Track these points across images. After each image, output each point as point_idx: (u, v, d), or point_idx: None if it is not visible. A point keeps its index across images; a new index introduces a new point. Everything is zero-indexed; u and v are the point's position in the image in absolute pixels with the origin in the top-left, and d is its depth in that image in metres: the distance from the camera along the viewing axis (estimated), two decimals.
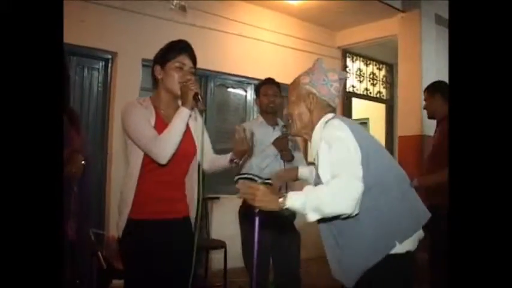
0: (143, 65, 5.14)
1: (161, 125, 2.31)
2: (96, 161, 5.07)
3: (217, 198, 5.63)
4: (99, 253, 3.64)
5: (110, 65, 5.22)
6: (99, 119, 5.20)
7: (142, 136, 2.25)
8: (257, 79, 4.00)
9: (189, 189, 2.48)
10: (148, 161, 2.29)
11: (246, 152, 2.50)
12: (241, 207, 3.57)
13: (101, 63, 5.20)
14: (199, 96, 2.28)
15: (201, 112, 2.45)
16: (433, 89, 3.95)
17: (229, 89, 6.32)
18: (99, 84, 5.19)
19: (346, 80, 2.18)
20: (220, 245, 4.68)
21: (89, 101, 5.12)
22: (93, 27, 4.89)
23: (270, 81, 3.64)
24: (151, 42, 5.07)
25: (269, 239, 3.39)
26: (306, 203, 1.75)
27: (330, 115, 2.10)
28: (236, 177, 2.04)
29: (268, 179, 1.94)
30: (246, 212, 3.47)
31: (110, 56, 5.19)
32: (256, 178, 2.12)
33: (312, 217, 1.78)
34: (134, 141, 2.29)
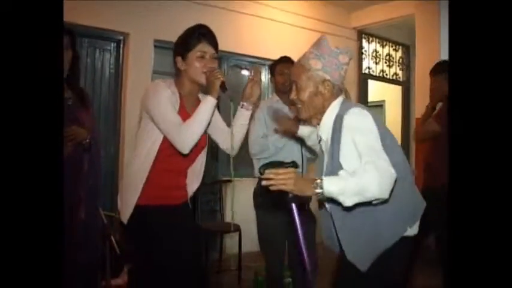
0: (155, 46, 5.07)
1: (183, 112, 2.28)
2: (109, 144, 5.04)
3: (230, 181, 5.58)
4: (112, 237, 3.60)
5: (121, 46, 5.15)
6: (111, 102, 5.15)
7: (167, 120, 2.20)
8: (271, 60, 3.92)
9: (190, 179, 2.47)
10: (165, 147, 2.26)
11: (257, 95, 2.41)
12: (256, 189, 3.50)
13: (112, 45, 5.14)
14: (226, 85, 2.24)
15: (231, 99, 2.37)
16: (441, 69, 3.65)
17: (243, 71, 6.22)
18: (111, 66, 5.13)
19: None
20: (235, 228, 4.63)
21: (100, 83, 5.08)
22: (104, 7, 4.81)
23: (286, 60, 3.54)
24: (164, 23, 5.08)
25: (284, 222, 3.33)
26: (345, 187, 1.75)
27: (340, 99, 2.08)
28: (260, 167, 1.96)
29: (292, 162, 1.87)
30: (262, 195, 3.41)
31: (121, 37, 5.12)
32: (280, 163, 2.05)
33: (351, 202, 1.78)
34: (157, 123, 2.23)
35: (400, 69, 7.93)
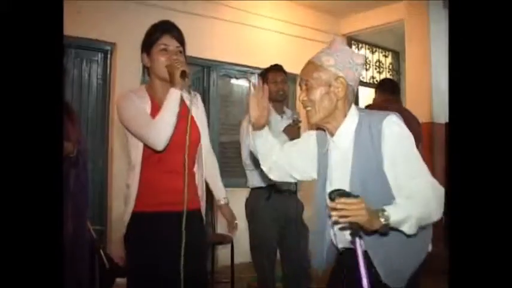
0: None
1: (157, 112, 2.18)
2: (97, 156, 4.96)
3: None
4: (101, 251, 3.54)
5: (109, 56, 5.10)
6: (99, 113, 5.09)
7: (137, 125, 2.14)
8: (261, 69, 3.88)
9: (200, 179, 2.35)
10: (150, 153, 2.18)
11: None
12: (247, 200, 3.46)
13: (99, 55, 5.08)
14: (187, 75, 2.14)
15: (181, 88, 2.19)
16: (375, 87, 4.34)
17: (233, 80, 6.19)
18: (99, 77, 5.08)
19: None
20: (227, 240, 4.55)
21: (88, 95, 5.01)
22: (90, 18, 4.77)
23: (277, 68, 3.49)
24: None
25: (276, 233, 3.30)
26: (410, 215, 1.67)
27: (355, 107, 1.94)
28: (331, 192, 1.76)
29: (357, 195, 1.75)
30: (254, 207, 3.37)
31: (109, 48, 5.07)
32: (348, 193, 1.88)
33: (415, 229, 1.70)
34: (131, 132, 2.19)
35: (390, 75, 7.92)
